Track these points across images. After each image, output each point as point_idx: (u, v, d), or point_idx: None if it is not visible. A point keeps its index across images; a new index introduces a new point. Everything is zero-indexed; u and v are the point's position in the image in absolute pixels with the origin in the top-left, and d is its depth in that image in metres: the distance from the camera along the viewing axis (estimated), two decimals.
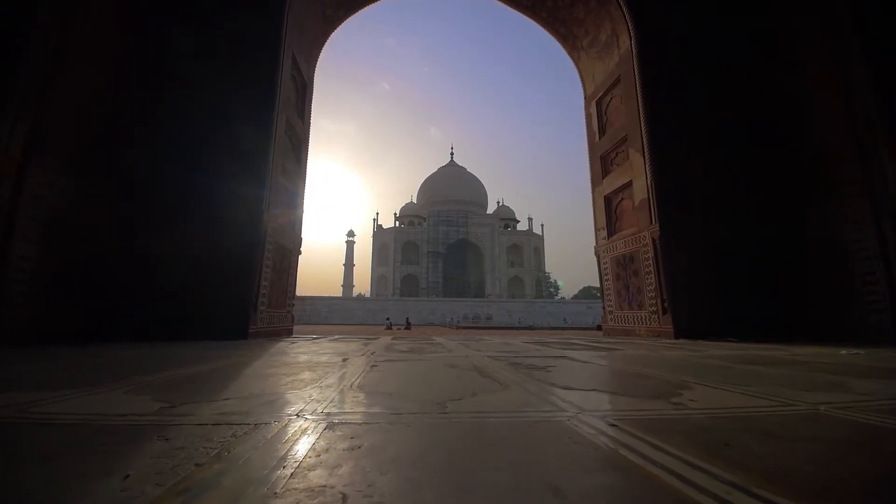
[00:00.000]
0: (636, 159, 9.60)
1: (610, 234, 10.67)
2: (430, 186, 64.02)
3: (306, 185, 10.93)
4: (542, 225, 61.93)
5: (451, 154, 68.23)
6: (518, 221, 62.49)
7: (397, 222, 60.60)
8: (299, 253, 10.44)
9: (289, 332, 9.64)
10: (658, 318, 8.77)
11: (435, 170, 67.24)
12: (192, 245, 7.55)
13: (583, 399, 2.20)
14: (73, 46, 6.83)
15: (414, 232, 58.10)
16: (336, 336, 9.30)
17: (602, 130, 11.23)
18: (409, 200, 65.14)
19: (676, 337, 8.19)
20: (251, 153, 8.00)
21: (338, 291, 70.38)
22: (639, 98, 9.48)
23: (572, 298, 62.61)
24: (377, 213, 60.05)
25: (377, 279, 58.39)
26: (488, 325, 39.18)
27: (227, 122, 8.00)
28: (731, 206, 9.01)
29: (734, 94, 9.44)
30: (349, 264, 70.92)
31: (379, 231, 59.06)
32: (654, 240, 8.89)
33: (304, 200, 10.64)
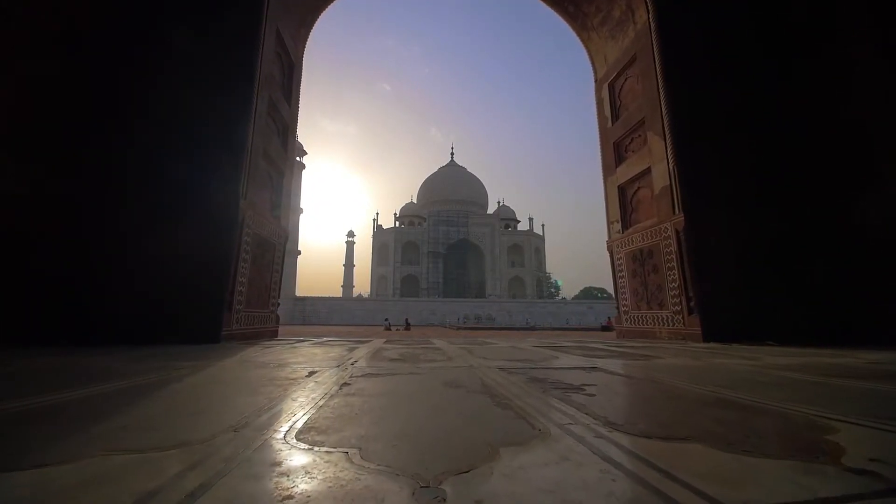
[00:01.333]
0: (655, 143, 8.60)
1: (625, 227, 9.65)
2: (431, 186, 62.95)
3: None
4: (543, 225, 60.86)
5: (452, 154, 67.13)
6: (519, 221, 61.40)
7: (397, 222, 59.53)
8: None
9: (272, 334, 8.63)
10: (682, 318, 7.75)
11: (435, 170, 66.27)
12: (158, 237, 6.54)
13: (696, 466, 1.19)
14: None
15: (414, 232, 57.04)
16: (325, 338, 8.29)
17: (615, 115, 10.23)
18: (410, 200, 64.12)
19: (706, 340, 7.18)
20: (225, 130, 6.99)
21: (338, 292, 69.37)
22: (658, 76, 8.48)
23: (573, 299, 61.59)
24: (377, 213, 59.03)
25: (377, 279, 57.32)
26: (489, 325, 38.11)
27: (199, 96, 7.00)
28: (761, 195, 7.99)
29: (762, 73, 8.44)
30: (349, 265, 69.86)
31: (379, 231, 58.00)
32: (677, 231, 7.88)
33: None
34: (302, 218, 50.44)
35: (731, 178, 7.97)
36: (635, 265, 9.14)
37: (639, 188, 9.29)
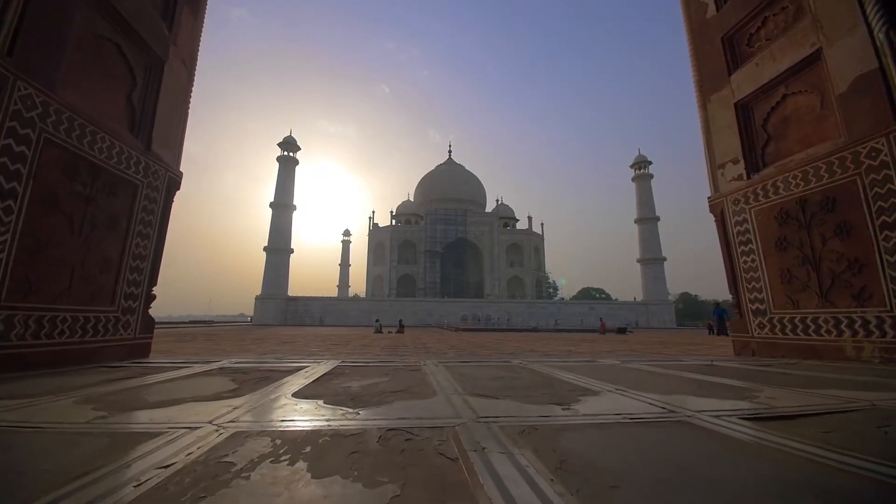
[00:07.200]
0: (829, 7, 4.46)
1: (753, 170, 5.46)
2: (428, 184, 58.47)
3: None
4: (542, 224, 56.63)
5: (450, 152, 62.58)
6: (517, 220, 57.01)
7: (394, 220, 55.11)
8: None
9: (130, 353, 4.33)
10: None
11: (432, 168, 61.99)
12: None
13: None
14: None
15: (411, 230, 52.63)
16: (225, 363, 4.05)
17: None
18: (407, 198, 59.67)
19: None
20: None
21: (334, 292, 64.84)
22: None
23: (571, 299, 57.42)
24: (373, 212, 54.71)
25: (373, 279, 52.81)
26: (489, 326, 33.83)
27: None
28: None
29: None
30: (345, 264, 65.40)
31: (375, 229, 53.51)
32: None
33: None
34: (297, 216, 46.09)
35: None
36: (784, 230, 4.94)
37: (785, 97, 5.11)
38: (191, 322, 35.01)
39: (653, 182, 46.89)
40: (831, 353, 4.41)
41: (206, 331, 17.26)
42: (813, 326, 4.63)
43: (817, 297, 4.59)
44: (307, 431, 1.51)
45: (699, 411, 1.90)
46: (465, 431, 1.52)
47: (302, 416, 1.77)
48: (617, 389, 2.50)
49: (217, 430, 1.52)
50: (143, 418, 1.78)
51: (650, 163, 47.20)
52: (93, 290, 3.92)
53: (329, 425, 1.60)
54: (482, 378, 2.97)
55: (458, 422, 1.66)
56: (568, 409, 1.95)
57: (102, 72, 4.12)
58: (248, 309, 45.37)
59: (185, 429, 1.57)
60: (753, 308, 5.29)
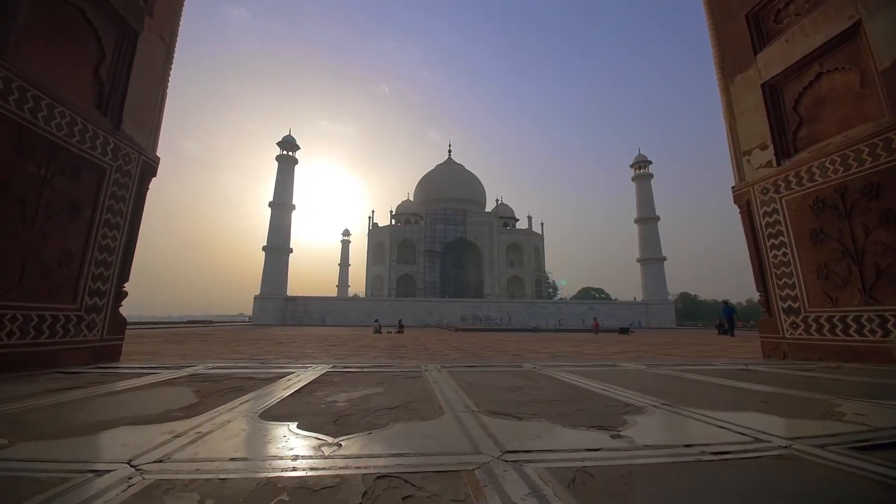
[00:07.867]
0: None
1: (784, 155, 4.98)
2: (428, 184, 57.90)
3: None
4: (542, 224, 56.10)
5: (449, 151, 62.03)
6: (517, 220, 56.48)
7: (393, 220, 54.57)
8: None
9: (102, 355, 3.85)
10: None
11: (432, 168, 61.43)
12: None
13: None
14: None
15: (411, 230, 52.08)
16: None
17: None
18: (406, 198, 59.11)
19: None
20: None
21: (334, 292, 64.32)
22: None
23: (571, 299, 56.95)
24: (373, 211, 54.17)
25: (373, 279, 52.25)
26: (489, 326, 33.34)
27: None
28: None
29: None
30: (344, 264, 64.83)
31: (375, 229, 52.95)
32: None
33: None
34: (296, 216, 45.55)
35: None
36: (821, 220, 4.47)
37: (820, 75, 4.65)
38: (189, 322, 34.45)
39: (653, 182, 46.47)
40: (875, 356, 3.94)
41: (202, 331, 16.73)
42: (854, 326, 4.15)
43: (860, 294, 4.12)
44: (258, 483, 1.02)
45: (793, 438, 1.42)
46: (489, 479, 1.04)
47: (260, 452, 1.28)
48: (663, 404, 2.02)
49: (130, 479, 1.04)
50: (48, 452, 1.29)
51: (650, 162, 46.78)
52: (50, 286, 3.43)
53: (294, 470, 1.12)
54: (495, 388, 2.49)
55: (477, 461, 1.18)
56: (618, 436, 1.47)
57: (64, 40, 3.63)
58: (248, 309, 44.82)
59: (91, 472, 1.09)
60: (785, 306, 4.81)
